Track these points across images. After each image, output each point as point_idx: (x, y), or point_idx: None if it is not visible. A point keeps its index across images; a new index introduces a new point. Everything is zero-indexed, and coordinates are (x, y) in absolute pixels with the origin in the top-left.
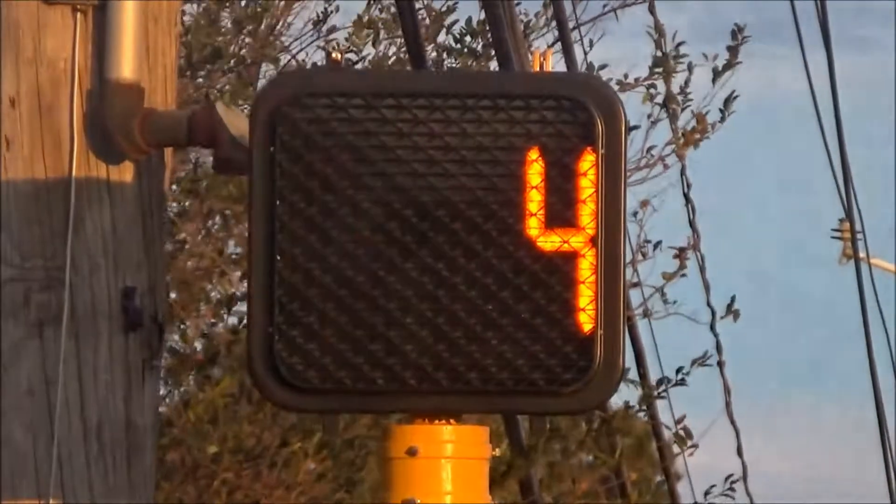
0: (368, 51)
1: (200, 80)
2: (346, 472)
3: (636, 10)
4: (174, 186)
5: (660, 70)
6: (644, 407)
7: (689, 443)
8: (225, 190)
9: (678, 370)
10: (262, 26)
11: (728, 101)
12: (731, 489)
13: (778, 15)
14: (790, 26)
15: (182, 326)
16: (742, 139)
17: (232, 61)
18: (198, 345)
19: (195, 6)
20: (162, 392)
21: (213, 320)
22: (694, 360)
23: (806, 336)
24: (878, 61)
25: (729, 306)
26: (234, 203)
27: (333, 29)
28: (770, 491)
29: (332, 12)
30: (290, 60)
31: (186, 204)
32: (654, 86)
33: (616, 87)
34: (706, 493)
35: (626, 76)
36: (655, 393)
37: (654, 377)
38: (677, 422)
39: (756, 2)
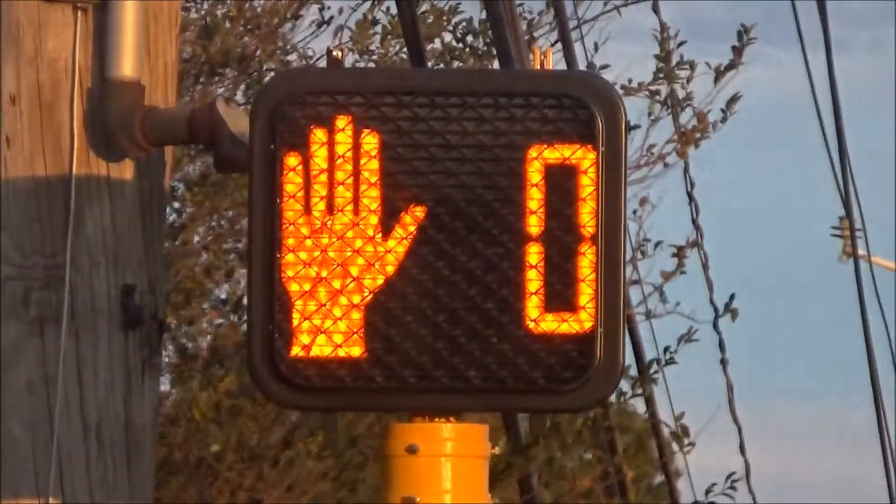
0: (375, 53)
1: (214, 85)
2: (349, 472)
3: (628, 10)
4: (178, 184)
5: (662, 76)
6: (635, 393)
7: (687, 441)
8: (241, 194)
9: (665, 349)
10: (265, 25)
11: (731, 101)
12: (732, 487)
13: (753, 14)
14: (771, 26)
15: (188, 327)
16: (738, 137)
17: (255, 64)
18: (203, 344)
19: (220, 6)
20: (166, 390)
21: (220, 320)
22: (680, 336)
23: (805, 333)
24: (852, 61)
25: (727, 305)
26: (243, 206)
27: (341, 28)
28: (772, 490)
29: (333, 16)
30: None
31: (196, 206)
32: (657, 92)
33: (621, 92)
34: (707, 492)
35: (630, 81)
36: (648, 376)
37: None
38: (677, 419)
39: (731, 1)
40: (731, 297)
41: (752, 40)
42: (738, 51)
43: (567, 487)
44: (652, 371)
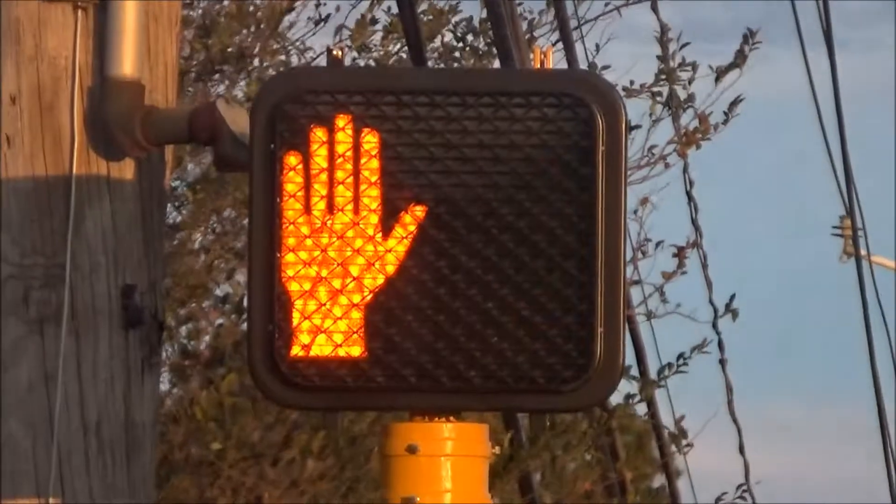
0: (374, 51)
1: (213, 83)
2: (349, 471)
3: (628, 10)
4: (178, 182)
5: (664, 77)
6: (644, 397)
7: (685, 441)
8: (241, 193)
9: (679, 356)
10: (264, 24)
11: (733, 104)
12: (742, 497)
13: (751, 13)
14: (769, 25)
15: (189, 326)
16: (739, 136)
17: (254, 62)
18: (203, 343)
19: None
20: (167, 389)
21: (220, 320)
22: (694, 346)
23: (807, 334)
24: (850, 60)
25: (728, 305)
26: (244, 205)
27: (341, 27)
28: (773, 491)
29: (330, 14)
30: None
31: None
32: (659, 93)
33: (622, 94)
34: (717, 500)
35: (631, 82)
36: (656, 380)
37: (654, 376)
38: (677, 421)
39: (729, 1)
40: (732, 297)
41: (757, 45)
42: (742, 55)
43: (568, 490)
44: (662, 377)
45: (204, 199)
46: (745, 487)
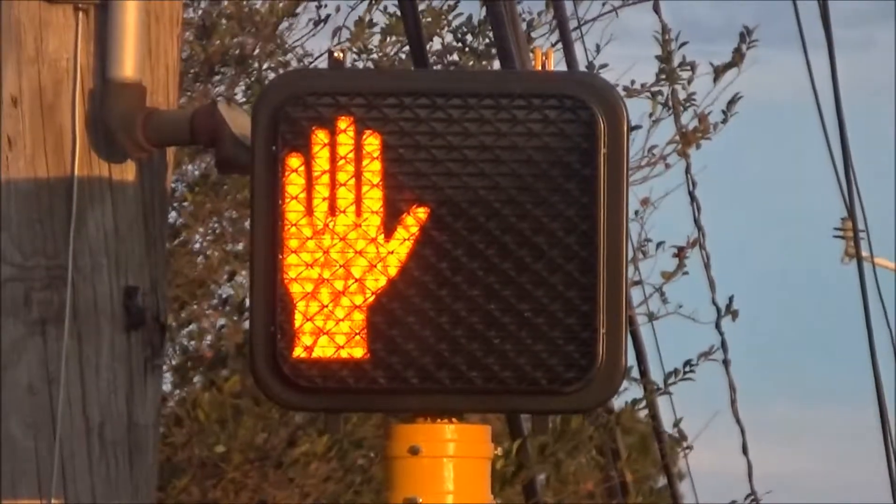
0: (374, 52)
1: (215, 84)
2: (354, 474)
3: (624, 11)
4: (179, 185)
5: (664, 77)
6: (648, 403)
7: (685, 444)
8: (241, 194)
9: (686, 363)
10: (262, 26)
11: (731, 102)
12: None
13: (745, 15)
14: (763, 26)
15: (191, 327)
16: (740, 138)
17: (255, 64)
18: (206, 344)
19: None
20: (169, 390)
21: (222, 321)
22: (701, 353)
23: (808, 335)
24: (844, 61)
25: (728, 306)
26: (244, 207)
27: (339, 29)
28: (772, 491)
29: (329, 14)
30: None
31: (197, 206)
32: (660, 92)
33: (623, 94)
34: None
35: (632, 82)
36: (662, 388)
37: (655, 376)
38: (675, 423)
39: (724, 1)
40: (731, 298)
41: (755, 42)
42: (740, 54)
43: (570, 490)
44: (669, 383)
45: (202, 199)
46: (752, 497)
